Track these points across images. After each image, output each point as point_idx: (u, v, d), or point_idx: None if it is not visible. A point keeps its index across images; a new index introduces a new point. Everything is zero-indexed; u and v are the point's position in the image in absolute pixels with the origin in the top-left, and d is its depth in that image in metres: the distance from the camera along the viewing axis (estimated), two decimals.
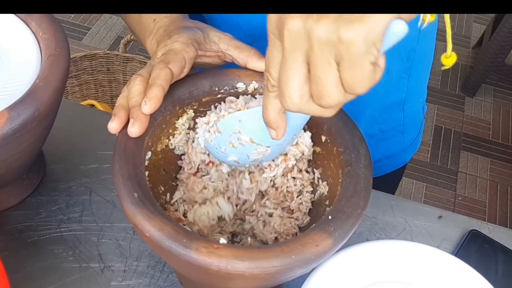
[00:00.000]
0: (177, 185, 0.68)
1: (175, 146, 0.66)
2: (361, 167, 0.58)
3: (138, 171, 0.55)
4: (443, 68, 0.47)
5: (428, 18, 0.44)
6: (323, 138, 0.63)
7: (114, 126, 0.58)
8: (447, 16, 0.45)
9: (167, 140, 0.65)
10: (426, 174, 2.20)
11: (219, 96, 0.66)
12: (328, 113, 0.47)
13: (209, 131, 0.62)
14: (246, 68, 0.66)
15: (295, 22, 0.42)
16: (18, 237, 0.72)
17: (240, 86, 0.66)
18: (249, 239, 0.61)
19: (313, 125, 0.64)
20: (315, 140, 0.65)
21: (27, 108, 0.59)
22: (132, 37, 1.79)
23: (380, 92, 0.85)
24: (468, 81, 2.49)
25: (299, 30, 0.42)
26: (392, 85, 0.85)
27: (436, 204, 2.06)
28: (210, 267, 0.49)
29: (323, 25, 0.41)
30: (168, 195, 0.65)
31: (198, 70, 0.68)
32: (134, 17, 0.73)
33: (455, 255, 0.65)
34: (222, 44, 0.66)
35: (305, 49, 0.43)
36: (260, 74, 0.66)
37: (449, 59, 0.47)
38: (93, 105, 1.64)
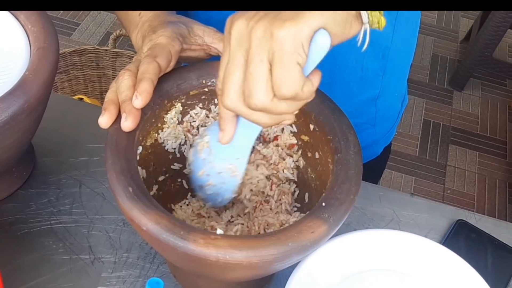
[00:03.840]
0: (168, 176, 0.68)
1: (164, 140, 0.66)
2: (351, 153, 0.59)
3: (131, 166, 0.55)
4: None
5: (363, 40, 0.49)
6: (311, 126, 0.64)
7: (104, 120, 0.58)
8: None
9: (156, 134, 0.65)
10: (415, 168, 2.21)
11: (206, 89, 0.66)
12: (256, 116, 0.50)
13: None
14: None
15: (240, 23, 0.47)
16: (8, 230, 0.72)
17: None
18: (239, 226, 0.62)
19: (301, 114, 0.64)
20: (303, 129, 0.65)
21: (16, 100, 0.59)
22: (121, 32, 1.78)
23: (356, 89, 0.87)
24: (456, 75, 2.50)
25: (242, 30, 0.47)
26: (368, 82, 0.86)
27: (425, 197, 2.07)
28: (209, 257, 0.49)
29: (261, 24, 0.46)
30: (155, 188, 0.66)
31: (183, 65, 0.68)
32: (121, 10, 0.73)
33: (443, 245, 0.66)
34: (207, 38, 0.66)
35: (246, 48, 0.47)
36: None
37: None
38: (81, 99, 1.64)
